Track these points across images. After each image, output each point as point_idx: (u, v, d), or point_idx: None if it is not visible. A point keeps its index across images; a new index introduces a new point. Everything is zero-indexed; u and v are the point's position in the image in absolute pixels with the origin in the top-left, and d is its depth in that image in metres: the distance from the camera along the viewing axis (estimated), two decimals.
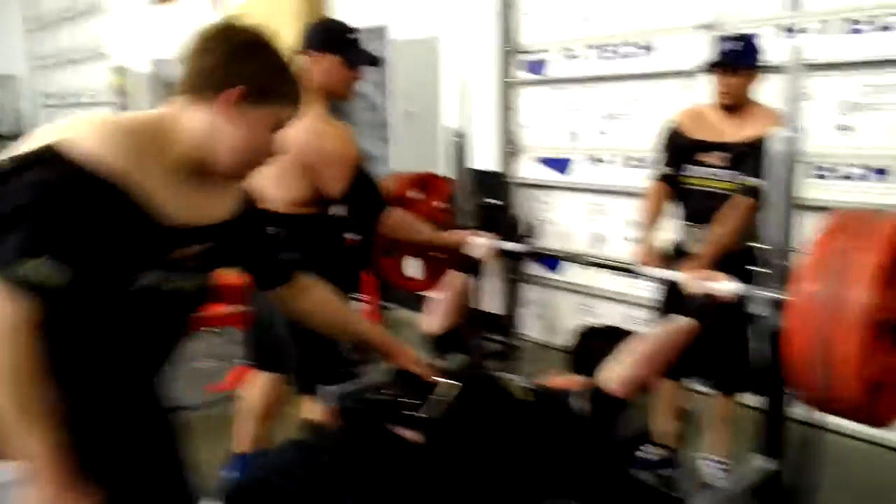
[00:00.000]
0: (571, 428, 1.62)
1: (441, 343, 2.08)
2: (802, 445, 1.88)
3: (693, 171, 2.67)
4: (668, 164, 2.74)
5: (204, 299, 1.44)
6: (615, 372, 1.64)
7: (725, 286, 1.78)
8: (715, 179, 2.62)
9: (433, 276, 3.08)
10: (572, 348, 2.12)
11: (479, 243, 2.53)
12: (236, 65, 1.24)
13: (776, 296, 1.63)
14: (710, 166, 2.63)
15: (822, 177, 3.20)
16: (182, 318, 1.42)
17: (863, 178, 3.12)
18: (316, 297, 1.65)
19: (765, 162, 2.22)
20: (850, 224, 1.51)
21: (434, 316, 2.13)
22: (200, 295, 1.41)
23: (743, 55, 2.54)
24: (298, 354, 2.30)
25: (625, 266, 2.79)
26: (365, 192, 2.29)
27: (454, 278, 2.34)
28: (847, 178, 3.15)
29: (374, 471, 1.49)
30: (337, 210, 2.33)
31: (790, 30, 3.25)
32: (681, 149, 2.69)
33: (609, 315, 4.04)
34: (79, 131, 1.16)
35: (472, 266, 2.45)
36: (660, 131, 2.81)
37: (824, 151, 3.16)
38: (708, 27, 3.48)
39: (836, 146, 3.15)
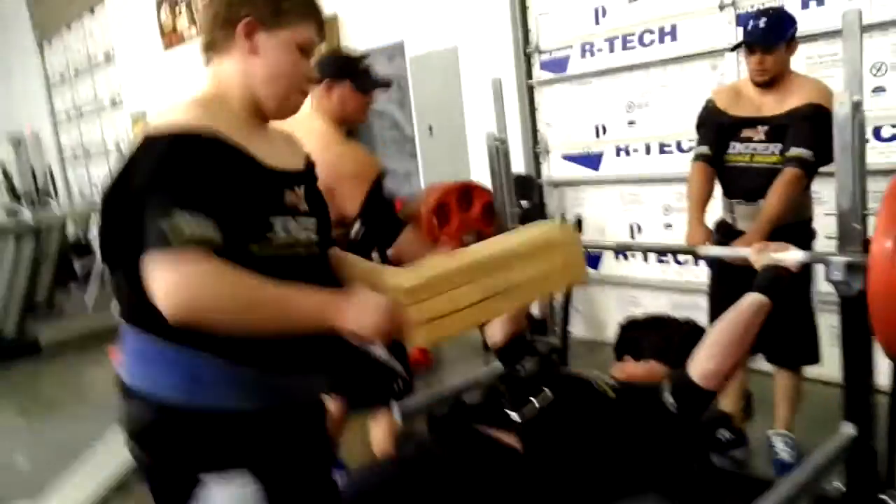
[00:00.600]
0: (663, 423, 1.61)
1: (508, 352, 2.07)
2: (891, 414, 1.85)
3: (735, 147, 2.63)
4: (707, 144, 2.69)
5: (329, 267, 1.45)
6: (702, 365, 1.61)
7: (795, 255, 1.76)
8: (758, 154, 2.57)
9: None
10: (616, 343, 2.10)
11: None
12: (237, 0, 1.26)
13: (855, 259, 1.61)
14: (751, 142, 2.59)
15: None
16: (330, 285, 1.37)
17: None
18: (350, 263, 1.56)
19: (815, 129, 2.21)
20: None
21: (495, 327, 2.11)
22: (326, 260, 1.43)
23: (772, 32, 2.48)
24: (349, 375, 2.26)
25: (681, 249, 2.77)
26: (381, 210, 2.32)
27: None
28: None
29: (473, 476, 1.49)
30: (357, 231, 2.33)
31: None
32: (720, 127, 2.65)
33: (655, 305, 4.01)
34: (174, 114, 1.22)
35: None
36: (699, 112, 2.78)
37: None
38: (731, 5, 3.46)
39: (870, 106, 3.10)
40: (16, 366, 5.51)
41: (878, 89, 3.10)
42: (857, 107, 1.65)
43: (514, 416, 1.67)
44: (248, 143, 1.24)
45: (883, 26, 3.03)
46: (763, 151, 2.55)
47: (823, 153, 2.23)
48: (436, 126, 5.16)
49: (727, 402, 2.80)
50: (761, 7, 3.32)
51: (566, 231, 1.69)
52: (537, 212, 4.40)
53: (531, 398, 1.70)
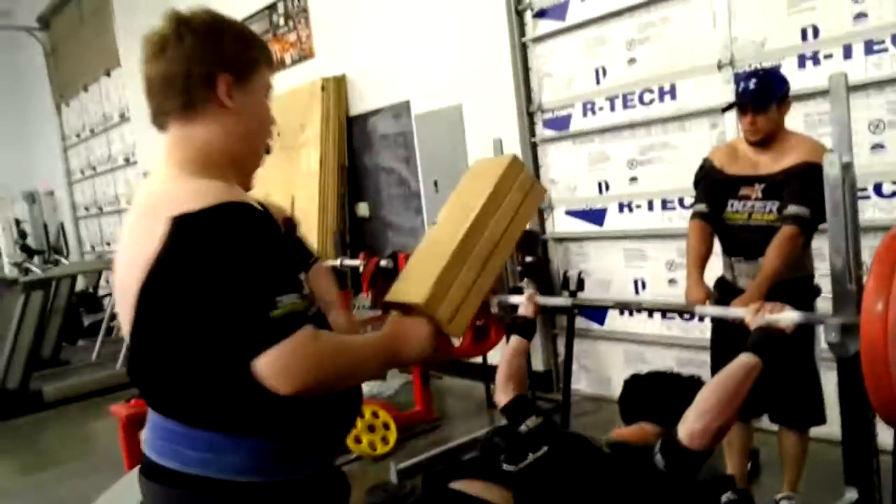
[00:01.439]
0: (655, 484, 1.59)
1: (514, 410, 2.06)
2: (894, 475, 1.81)
3: (733, 206, 2.64)
4: (705, 202, 2.71)
5: None
6: (691, 426, 1.61)
7: (790, 316, 1.75)
8: (756, 212, 2.58)
9: (476, 339, 3.07)
10: (621, 398, 2.12)
11: (525, 302, 2.55)
12: (212, 55, 1.19)
13: (849, 321, 1.60)
14: (749, 200, 2.60)
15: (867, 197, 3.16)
16: None
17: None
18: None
19: (812, 187, 2.22)
20: None
21: (500, 385, 2.13)
22: None
23: (763, 92, 2.50)
24: None
25: (680, 308, 2.77)
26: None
27: (512, 342, 2.35)
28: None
29: None
30: None
31: (813, 58, 3.26)
32: (718, 185, 2.67)
33: (661, 361, 3.97)
34: (198, 190, 1.14)
35: (524, 326, 2.45)
36: (696, 170, 2.80)
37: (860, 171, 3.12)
38: (729, 64, 3.52)
39: (870, 165, 3.12)
40: (19, 420, 5.50)
41: (877, 146, 3.12)
42: (846, 167, 1.66)
43: (509, 467, 1.68)
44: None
45: (879, 85, 3.07)
46: (761, 209, 2.56)
47: (821, 210, 2.24)
48: (441, 182, 5.21)
49: (731, 463, 2.75)
50: (754, 67, 3.38)
51: (506, 162, 1.62)
52: (542, 266, 4.41)
53: (529, 453, 1.71)
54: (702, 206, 2.72)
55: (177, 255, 1.10)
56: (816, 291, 2.60)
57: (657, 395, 2.02)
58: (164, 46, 1.18)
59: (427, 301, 1.33)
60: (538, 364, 4.56)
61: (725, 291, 2.67)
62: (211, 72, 1.18)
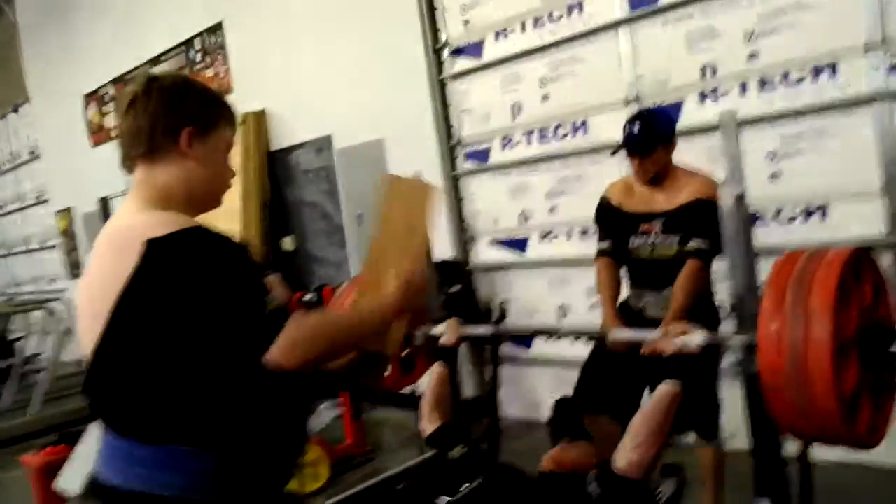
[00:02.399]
0: None
1: (438, 438, 2.11)
2: (801, 483, 1.94)
3: (635, 242, 2.72)
4: (608, 239, 2.79)
5: None
6: (627, 456, 1.69)
7: (695, 339, 1.87)
8: (658, 248, 2.67)
9: (404, 371, 3.11)
10: (550, 421, 2.19)
11: (446, 331, 2.61)
12: (176, 110, 1.35)
13: (746, 340, 1.73)
14: (649, 235, 2.68)
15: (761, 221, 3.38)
16: None
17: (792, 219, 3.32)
18: None
19: (708, 221, 2.38)
20: (797, 262, 1.63)
21: (425, 414, 2.16)
22: None
23: (647, 137, 2.56)
24: None
25: (598, 334, 2.88)
26: None
27: (435, 370, 2.40)
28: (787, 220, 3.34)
29: None
30: None
31: (711, 94, 3.49)
32: (618, 222, 2.75)
33: None
34: (162, 219, 1.29)
35: (446, 354, 2.51)
36: (596, 208, 2.87)
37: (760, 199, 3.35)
38: (635, 100, 3.72)
39: (769, 193, 3.35)
40: None
41: (774, 175, 3.35)
42: (739, 199, 1.80)
43: (442, 501, 1.72)
44: None
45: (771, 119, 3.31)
46: (662, 243, 2.66)
47: (718, 240, 2.39)
48: (366, 215, 5.26)
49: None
50: (654, 104, 3.59)
51: (402, 184, 1.87)
52: (467, 296, 4.49)
53: (464, 484, 1.76)
54: (605, 244, 2.80)
55: (154, 272, 1.22)
56: (717, 310, 2.74)
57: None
58: (134, 101, 1.35)
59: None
60: (469, 391, 4.62)
61: (632, 319, 2.75)
62: (175, 123, 1.34)
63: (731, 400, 3.18)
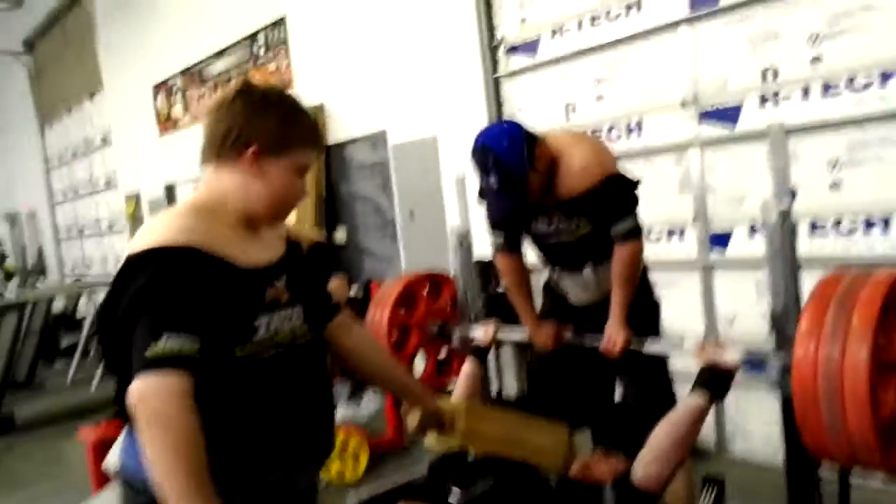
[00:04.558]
0: None
1: None
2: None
3: (536, 227, 2.44)
4: (501, 230, 2.50)
5: (322, 349, 1.55)
6: (645, 469, 1.64)
7: (734, 356, 1.80)
8: (564, 231, 2.39)
9: (439, 371, 3.11)
10: (592, 425, 2.16)
11: (482, 331, 2.60)
12: (250, 125, 1.36)
13: (782, 360, 1.66)
14: (551, 221, 2.40)
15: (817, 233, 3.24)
16: (316, 375, 1.50)
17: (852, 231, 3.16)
18: (357, 335, 1.69)
19: (618, 200, 2.27)
20: (842, 280, 1.55)
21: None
22: (318, 343, 1.52)
23: (510, 183, 2.19)
24: None
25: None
26: None
27: (465, 367, 2.39)
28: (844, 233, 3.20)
29: None
30: None
31: (772, 98, 3.36)
32: (515, 218, 2.43)
33: None
34: (156, 227, 1.33)
35: (479, 353, 2.50)
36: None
37: (817, 209, 3.21)
38: (693, 102, 3.61)
39: (828, 203, 3.21)
40: None
41: (835, 185, 3.20)
42: (785, 215, 1.72)
43: (455, 494, 1.71)
44: (231, 248, 1.34)
45: (835, 126, 3.16)
46: (568, 227, 2.38)
47: (635, 209, 2.29)
48: (417, 212, 5.27)
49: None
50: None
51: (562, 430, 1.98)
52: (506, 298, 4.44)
53: (477, 480, 1.74)
54: (499, 237, 2.50)
55: (116, 287, 1.30)
56: (657, 305, 2.59)
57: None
58: (221, 106, 1.39)
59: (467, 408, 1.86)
60: (511, 391, 4.59)
61: (558, 304, 2.57)
62: (245, 138, 1.36)
63: (770, 415, 3.08)
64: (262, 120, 1.37)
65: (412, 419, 1.71)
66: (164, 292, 1.24)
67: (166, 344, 1.19)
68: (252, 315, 1.33)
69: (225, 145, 1.36)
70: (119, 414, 1.35)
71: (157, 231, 1.31)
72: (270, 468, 1.37)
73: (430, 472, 1.92)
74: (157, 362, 1.19)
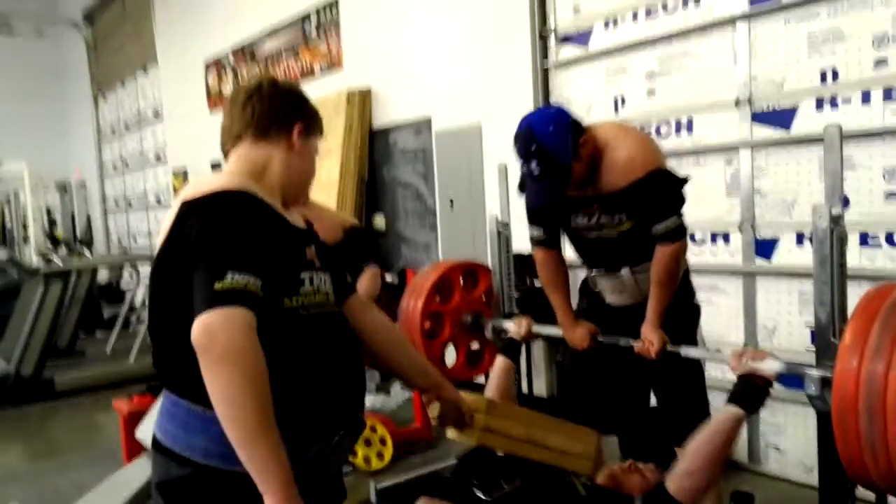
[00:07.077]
0: None
1: None
2: None
3: (576, 220, 2.37)
4: (540, 225, 2.46)
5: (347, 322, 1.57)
6: (680, 482, 1.60)
7: (772, 366, 1.73)
8: (606, 226, 2.31)
9: (469, 362, 3.08)
10: (620, 432, 2.11)
11: (515, 325, 2.56)
12: (294, 106, 1.52)
13: (827, 374, 1.58)
14: (593, 214, 2.32)
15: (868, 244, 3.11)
16: (350, 344, 1.53)
17: None
18: (375, 317, 1.70)
19: (661, 198, 2.19)
20: (889, 296, 1.47)
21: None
22: (344, 316, 1.56)
23: (552, 173, 2.14)
24: None
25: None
26: None
27: (497, 363, 2.35)
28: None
29: None
30: None
31: (830, 101, 3.23)
32: (553, 208, 2.37)
33: None
34: (214, 180, 1.43)
35: (511, 349, 2.46)
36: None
37: (869, 220, 3.08)
38: (747, 102, 3.49)
39: (882, 214, 3.07)
40: (29, 407, 5.60)
41: (892, 195, 3.07)
42: (836, 220, 1.64)
43: (480, 495, 1.69)
44: (277, 206, 1.45)
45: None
46: (610, 222, 2.30)
47: (680, 208, 2.21)
48: (457, 201, 5.23)
49: None
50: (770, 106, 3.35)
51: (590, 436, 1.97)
52: (543, 294, 4.37)
53: (502, 481, 1.72)
54: (538, 231, 2.44)
55: (173, 234, 1.33)
56: (697, 309, 2.49)
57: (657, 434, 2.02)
58: (259, 88, 1.49)
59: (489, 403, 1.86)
60: (540, 389, 4.54)
61: (594, 304, 2.51)
62: (291, 116, 1.50)
63: (806, 430, 2.98)
64: (300, 104, 1.53)
65: (433, 409, 1.68)
66: (229, 232, 1.27)
67: (234, 279, 1.21)
68: (298, 267, 1.40)
69: (272, 121, 1.47)
70: (152, 388, 1.38)
71: (212, 182, 1.39)
72: (310, 435, 1.37)
73: (458, 466, 1.89)
74: (226, 295, 1.19)
